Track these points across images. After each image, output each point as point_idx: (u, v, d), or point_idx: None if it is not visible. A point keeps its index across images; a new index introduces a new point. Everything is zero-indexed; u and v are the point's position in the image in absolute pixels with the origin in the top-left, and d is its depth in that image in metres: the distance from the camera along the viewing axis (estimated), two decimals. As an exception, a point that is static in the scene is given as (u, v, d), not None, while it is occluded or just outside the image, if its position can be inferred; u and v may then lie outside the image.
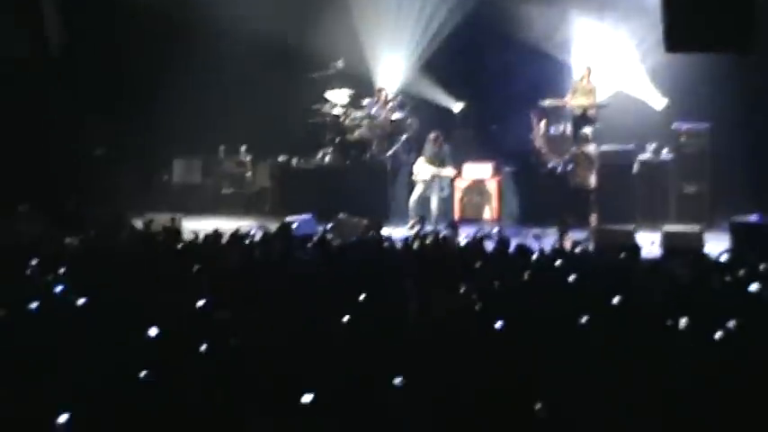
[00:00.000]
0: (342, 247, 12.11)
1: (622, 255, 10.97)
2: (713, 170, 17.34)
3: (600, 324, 7.56)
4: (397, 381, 6.17)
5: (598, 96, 18.13)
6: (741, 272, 9.89)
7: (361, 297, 8.53)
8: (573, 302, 8.31)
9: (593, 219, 16.17)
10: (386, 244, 12.33)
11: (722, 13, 11.19)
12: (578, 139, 16.94)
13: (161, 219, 14.73)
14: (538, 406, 5.73)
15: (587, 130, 17.20)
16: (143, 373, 6.24)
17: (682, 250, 12.29)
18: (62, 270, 9.71)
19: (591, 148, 16.63)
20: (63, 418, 5.64)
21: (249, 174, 19.84)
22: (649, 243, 13.64)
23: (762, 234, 13.76)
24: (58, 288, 8.71)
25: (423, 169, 17.35)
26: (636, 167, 17.60)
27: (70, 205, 16.14)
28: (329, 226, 15.44)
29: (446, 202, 17.56)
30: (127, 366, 6.41)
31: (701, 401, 5.87)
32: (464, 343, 7.07)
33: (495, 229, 13.27)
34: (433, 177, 17.26)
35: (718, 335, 7.07)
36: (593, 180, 16.46)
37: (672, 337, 7.32)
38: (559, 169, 16.88)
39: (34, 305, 8.03)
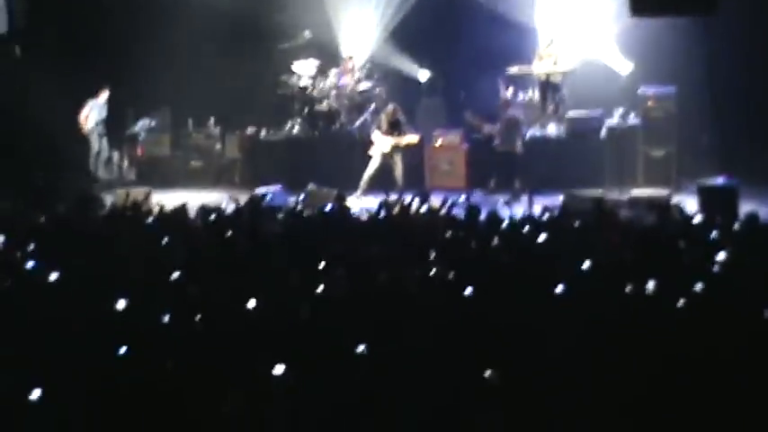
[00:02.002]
0: (312, 217, 12.10)
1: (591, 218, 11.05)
2: (680, 134, 17.43)
3: (571, 290, 7.62)
4: (361, 348, 6.25)
5: (563, 63, 18.19)
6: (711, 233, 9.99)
7: (324, 266, 8.60)
8: (544, 268, 8.37)
9: (518, 183, 16.37)
10: (354, 214, 12.33)
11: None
12: (502, 104, 17.13)
13: (133, 193, 14.69)
14: (488, 372, 5.82)
15: (514, 94, 17.64)
16: (121, 350, 6.27)
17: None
18: (32, 246, 9.67)
19: (516, 113, 16.88)
20: (35, 394, 5.65)
21: (218, 146, 19.77)
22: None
23: (728, 196, 13.87)
24: (30, 264, 8.69)
25: (381, 142, 17.00)
26: (604, 133, 17.67)
27: (39, 181, 16.06)
28: (299, 197, 15.41)
29: (414, 171, 17.48)
30: (100, 341, 6.44)
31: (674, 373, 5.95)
32: (435, 311, 7.13)
33: (463, 198, 13.31)
34: (394, 148, 16.97)
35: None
36: (519, 145, 16.73)
37: (640, 301, 7.39)
38: (490, 133, 17.20)
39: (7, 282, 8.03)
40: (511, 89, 18.29)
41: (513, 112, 17.09)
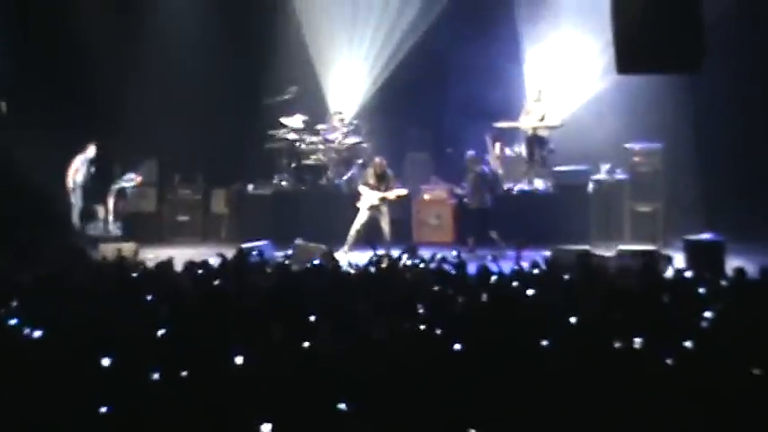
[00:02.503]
0: (300, 272, 12.05)
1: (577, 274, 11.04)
2: (666, 189, 17.49)
3: (559, 344, 7.58)
4: (343, 406, 6.20)
5: (551, 118, 18.27)
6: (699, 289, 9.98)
7: (311, 321, 8.56)
8: (533, 323, 8.33)
9: (495, 236, 16.41)
10: (343, 270, 12.28)
11: (672, 33, 11.29)
12: (469, 161, 17.13)
13: (119, 248, 14.65)
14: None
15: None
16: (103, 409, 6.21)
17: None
18: (15, 303, 9.58)
19: (483, 170, 16.90)
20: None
21: (205, 201, 19.73)
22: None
23: (715, 252, 13.88)
24: (12, 321, 8.60)
25: (369, 195, 16.98)
26: (590, 187, 17.72)
27: (24, 237, 15.97)
28: (287, 252, 15.38)
29: (401, 226, 17.49)
30: (86, 397, 6.37)
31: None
32: (422, 367, 7.06)
33: (454, 252, 13.34)
34: (382, 201, 16.95)
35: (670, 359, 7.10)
36: (488, 199, 16.84)
37: (628, 357, 7.34)
38: (462, 192, 17.25)
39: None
40: (498, 144, 18.43)
41: (480, 169, 17.08)
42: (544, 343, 7.55)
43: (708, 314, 8.55)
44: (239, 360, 7.30)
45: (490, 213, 16.88)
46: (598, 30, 17.01)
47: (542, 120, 18.26)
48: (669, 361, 7.04)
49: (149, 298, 9.84)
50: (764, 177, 17.73)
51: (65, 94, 18.95)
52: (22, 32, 18.74)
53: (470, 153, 17.34)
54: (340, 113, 19.59)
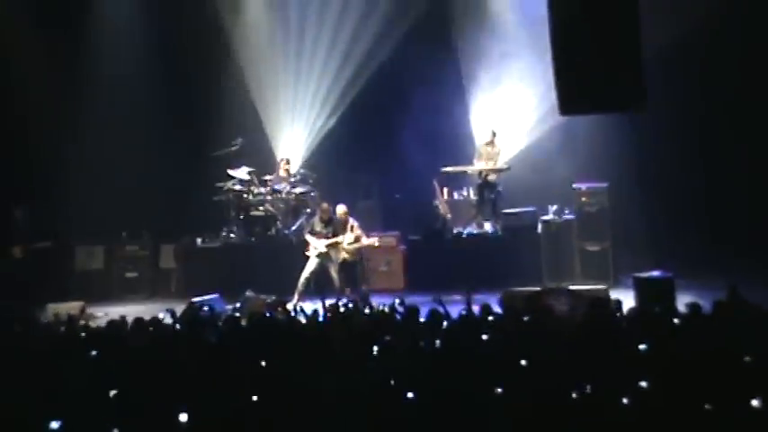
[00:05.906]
0: (250, 325, 11.94)
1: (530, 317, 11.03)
2: (614, 228, 17.59)
3: (512, 390, 7.56)
4: None
5: (499, 161, 18.36)
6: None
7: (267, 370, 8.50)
8: (485, 368, 8.30)
9: (365, 286, 16.70)
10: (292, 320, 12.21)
11: (613, 73, 11.43)
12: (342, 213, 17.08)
13: (67, 307, 14.45)
14: None
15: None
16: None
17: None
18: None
19: (355, 224, 16.83)
20: None
21: (153, 256, 19.55)
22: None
23: (665, 289, 13.96)
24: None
25: (316, 244, 16.81)
26: (540, 228, 17.79)
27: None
28: (237, 305, 15.27)
29: (350, 274, 17.39)
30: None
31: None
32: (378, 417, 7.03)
33: (398, 301, 13.24)
34: (330, 248, 16.82)
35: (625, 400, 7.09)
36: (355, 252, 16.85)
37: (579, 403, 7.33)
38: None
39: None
40: (446, 189, 18.47)
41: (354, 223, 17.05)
42: (498, 390, 7.53)
43: (659, 351, 8.56)
44: (183, 418, 7.22)
45: (360, 264, 16.92)
46: (541, 72, 17.19)
47: (491, 163, 18.30)
48: (625, 401, 7.04)
49: (99, 357, 9.72)
50: (709, 213, 17.92)
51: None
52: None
53: (341, 207, 17.16)
54: (287, 163, 19.52)
